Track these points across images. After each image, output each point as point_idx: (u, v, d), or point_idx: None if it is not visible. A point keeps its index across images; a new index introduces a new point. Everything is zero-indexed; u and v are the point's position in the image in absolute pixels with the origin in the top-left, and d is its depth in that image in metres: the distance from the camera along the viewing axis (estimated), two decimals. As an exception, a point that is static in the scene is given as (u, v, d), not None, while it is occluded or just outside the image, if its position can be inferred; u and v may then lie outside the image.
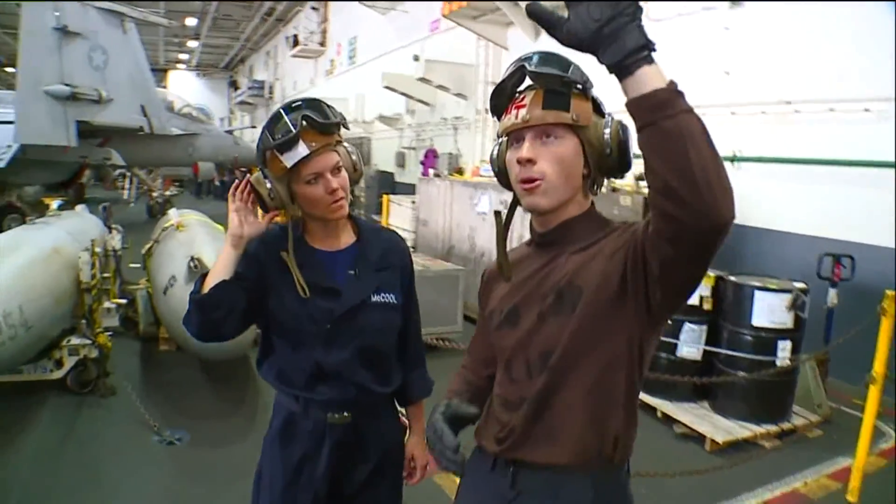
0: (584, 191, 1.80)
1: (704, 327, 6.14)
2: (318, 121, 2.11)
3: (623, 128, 1.72)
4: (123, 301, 7.59)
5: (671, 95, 1.31)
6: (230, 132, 24.66)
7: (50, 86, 13.52)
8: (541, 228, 1.86)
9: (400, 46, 18.85)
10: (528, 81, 1.75)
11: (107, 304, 6.66)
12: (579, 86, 1.71)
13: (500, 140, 1.88)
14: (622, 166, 1.75)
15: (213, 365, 6.92)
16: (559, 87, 1.70)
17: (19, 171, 14.77)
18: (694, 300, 6.03)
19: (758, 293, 5.81)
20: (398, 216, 13.68)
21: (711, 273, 6.15)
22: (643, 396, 5.98)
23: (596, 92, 1.74)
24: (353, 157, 2.33)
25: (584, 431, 1.69)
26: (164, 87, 43.29)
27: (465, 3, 13.06)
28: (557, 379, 1.71)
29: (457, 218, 10.63)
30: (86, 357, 6.28)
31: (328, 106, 2.19)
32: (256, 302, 2.26)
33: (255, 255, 2.27)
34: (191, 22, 34.22)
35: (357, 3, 20.23)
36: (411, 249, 4.19)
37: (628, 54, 1.31)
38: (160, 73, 45.81)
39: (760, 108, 8.24)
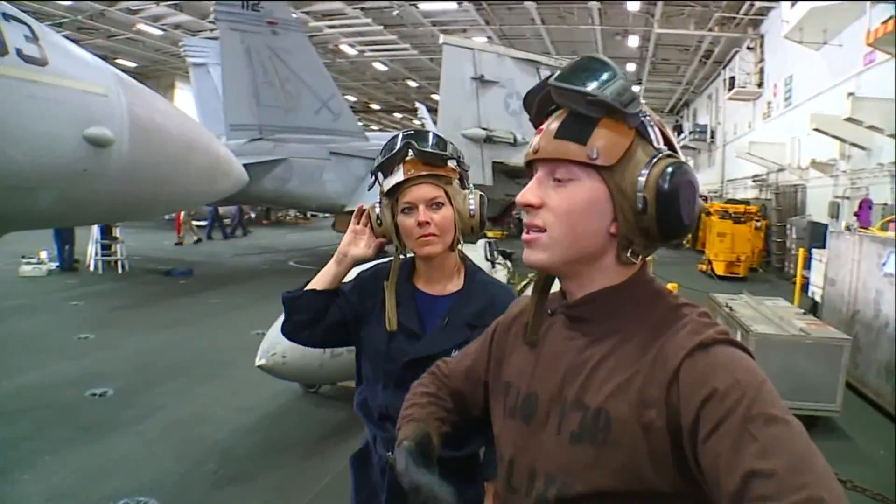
0: (616, 256, 1.32)
1: None
2: (418, 149, 2.11)
3: (675, 171, 1.23)
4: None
5: None
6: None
7: (468, 129, 14.59)
8: (567, 297, 1.42)
9: (833, 85, 17.07)
10: None
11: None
12: (617, 108, 1.24)
13: None
14: (667, 228, 1.26)
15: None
16: (583, 110, 1.27)
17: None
18: None
19: None
20: (817, 271, 12.30)
21: None
22: None
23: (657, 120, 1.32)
24: (471, 203, 2.22)
25: None
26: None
27: (891, 28, 11.26)
28: None
29: (864, 278, 9.12)
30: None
31: (442, 140, 2.18)
32: (352, 324, 2.31)
33: (364, 281, 2.35)
34: (630, 67, 34.72)
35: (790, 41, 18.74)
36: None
37: None
38: (608, 117, 47.69)
39: None
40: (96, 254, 15.59)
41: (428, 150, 2.11)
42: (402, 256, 2.30)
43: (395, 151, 2.11)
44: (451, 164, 2.18)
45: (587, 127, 1.27)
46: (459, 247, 2.29)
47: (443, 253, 2.20)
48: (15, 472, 5.08)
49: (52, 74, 3.22)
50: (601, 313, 1.35)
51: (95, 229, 15.52)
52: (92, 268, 15.40)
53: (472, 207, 2.21)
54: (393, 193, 2.15)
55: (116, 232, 15.99)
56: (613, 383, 1.26)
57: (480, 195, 2.25)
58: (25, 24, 3.21)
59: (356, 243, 2.29)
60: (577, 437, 1.29)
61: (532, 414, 1.41)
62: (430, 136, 2.18)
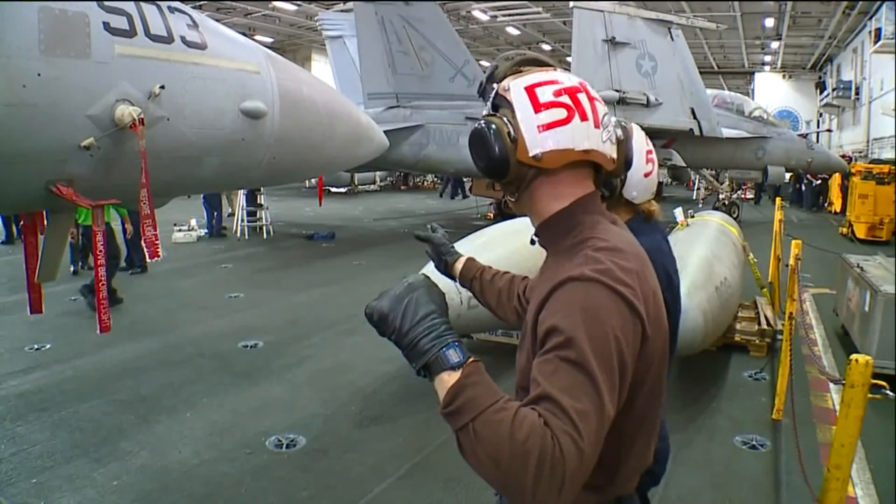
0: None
1: None
2: None
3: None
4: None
5: (445, 415, 1.31)
6: (804, 136, 23.43)
7: (601, 92, 14.53)
8: None
9: None
10: None
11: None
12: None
13: None
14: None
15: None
16: None
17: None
18: None
19: None
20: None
21: None
22: None
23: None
24: None
25: None
26: (748, 89, 43.08)
27: None
28: None
29: None
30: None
31: None
32: None
33: None
34: (769, 22, 33.10)
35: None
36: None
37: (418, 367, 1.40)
38: (745, 75, 45.59)
39: None
40: (242, 220, 16.51)
41: None
42: None
43: None
44: None
45: None
46: None
47: None
48: (179, 411, 5.76)
49: (211, 56, 3.62)
50: (545, 241, 1.69)
51: (241, 198, 16.47)
52: (238, 234, 16.38)
53: None
54: None
55: (261, 199, 16.93)
56: (536, 300, 1.53)
57: None
58: (186, 13, 3.64)
59: None
60: (519, 345, 1.67)
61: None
62: None
